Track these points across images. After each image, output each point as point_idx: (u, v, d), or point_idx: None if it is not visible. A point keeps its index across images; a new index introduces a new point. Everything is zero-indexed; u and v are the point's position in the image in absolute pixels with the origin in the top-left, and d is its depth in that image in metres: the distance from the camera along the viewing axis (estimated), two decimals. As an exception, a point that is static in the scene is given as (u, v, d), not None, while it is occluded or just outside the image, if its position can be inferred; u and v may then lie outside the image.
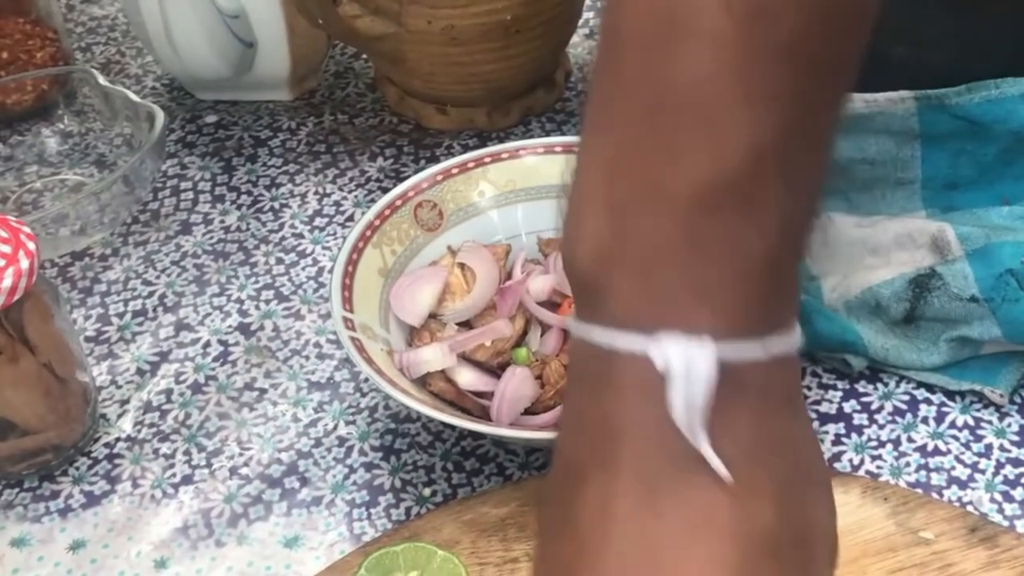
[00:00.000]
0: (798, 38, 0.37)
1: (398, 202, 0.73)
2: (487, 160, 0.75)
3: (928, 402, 0.69)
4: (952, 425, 0.68)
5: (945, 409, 0.69)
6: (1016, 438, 0.67)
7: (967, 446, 0.67)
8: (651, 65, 0.38)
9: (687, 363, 0.38)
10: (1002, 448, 0.67)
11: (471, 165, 0.75)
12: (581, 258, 0.40)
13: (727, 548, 0.39)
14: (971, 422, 0.68)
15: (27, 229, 0.66)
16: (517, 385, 0.65)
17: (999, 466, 0.66)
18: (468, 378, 0.67)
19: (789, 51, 0.37)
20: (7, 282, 0.64)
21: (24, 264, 0.64)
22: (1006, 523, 0.63)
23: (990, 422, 0.68)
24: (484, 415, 0.66)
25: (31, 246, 0.65)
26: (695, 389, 0.38)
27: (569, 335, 0.43)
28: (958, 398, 0.69)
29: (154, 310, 0.79)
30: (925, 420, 0.68)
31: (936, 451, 0.67)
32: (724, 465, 0.39)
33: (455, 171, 0.75)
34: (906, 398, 0.69)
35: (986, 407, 0.69)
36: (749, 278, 0.39)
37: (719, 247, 0.39)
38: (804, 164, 0.39)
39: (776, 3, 0.37)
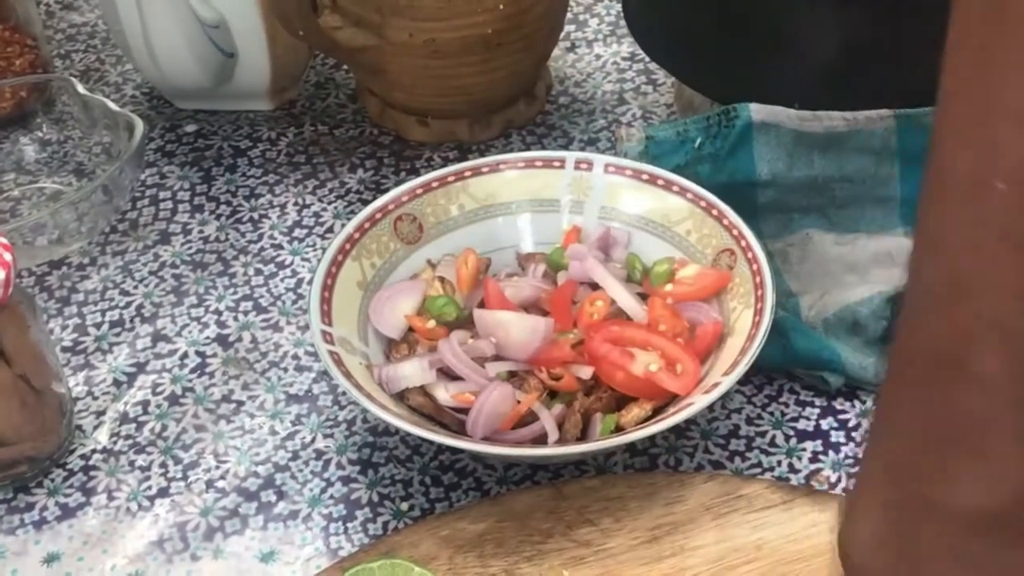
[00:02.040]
0: None
1: (378, 215, 0.73)
2: (467, 174, 0.75)
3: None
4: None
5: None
6: None
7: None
8: (933, 393, 0.42)
9: None
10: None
11: (451, 179, 0.75)
12: (856, 540, 0.46)
13: None
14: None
15: (4, 240, 0.66)
16: (496, 401, 0.65)
17: (975, 485, 0.66)
18: (446, 393, 0.66)
19: None
20: (-17, 293, 0.64)
21: (0, 275, 0.64)
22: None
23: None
24: (462, 430, 0.66)
25: (7, 257, 0.65)
26: None
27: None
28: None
29: (131, 320, 0.78)
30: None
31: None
32: None
33: (435, 185, 0.75)
34: (883, 416, 0.70)
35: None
36: None
37: (986, 569, 0.43)
38: None
39: None
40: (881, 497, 0.45)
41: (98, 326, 0.78)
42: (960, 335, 0.40)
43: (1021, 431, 0.41)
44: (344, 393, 0.71)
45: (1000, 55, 0.38)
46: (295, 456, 0.70)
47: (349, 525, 0.67)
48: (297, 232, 0.83)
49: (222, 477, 0.70)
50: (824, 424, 0.70)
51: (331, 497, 0.68)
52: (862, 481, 0.46)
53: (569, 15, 0.91)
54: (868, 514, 0.45)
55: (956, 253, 0.40)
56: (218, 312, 0.78)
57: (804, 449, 0.69)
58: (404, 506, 0.67)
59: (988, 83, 0.38)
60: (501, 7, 0.81)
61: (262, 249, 0.82)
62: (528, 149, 0.87)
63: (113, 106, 0.84)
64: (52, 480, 0.70)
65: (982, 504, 0.42)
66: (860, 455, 0.47)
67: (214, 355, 0.76)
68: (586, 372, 0.66)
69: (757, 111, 0.72)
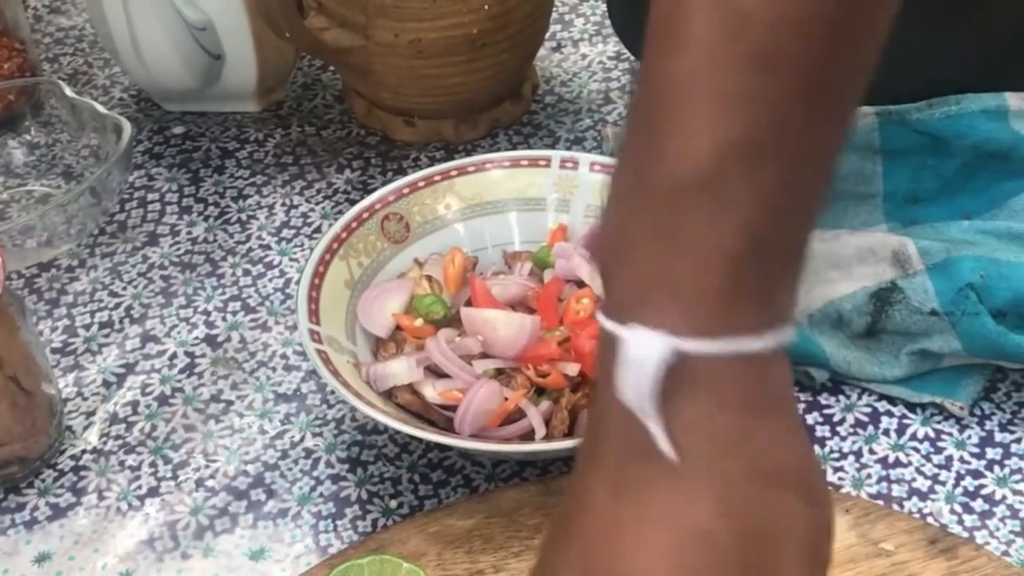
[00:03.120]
0: (771, 51, 0.40)
1: (365, 215, 0.74)
2: (454, 173, 0.76)
3: (889, 414, 0.70)
4: (913, 437, 0.69)
5: (906, 421, 0.70)
6: (976, 450, 0.68)
7: (928, 458, 0.68)
8: (652, 63, 0.41)
9: (639, 350, 0.41)
10: (962, 460, 0.68)
11: (438, 178, 0.76)
12: (598, 247, 0.44)
13: (663, 538, 0.41)
14: (932, 434, 0.69)
15: (-7, 242, 0.66)
16: (483, 398, 0.65)
17: (959, 478, 0.67)
18: (434, 391, 0.67)
19: (760, 60, 0.40)
20: (-28, 295, 0.64)
21: (-11, 277, 0.64)
22: (966, 534, 0.64)
23: (950, 434, 0.69)
24: (450, 427, 0.66)
25: (-3, 259, 0.65)
26: (642, 375, 0.41)
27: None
28: (919, 410, 0.70)
29: (120, 321, 0.79)
30: (886, 432, 0.69)
31: (897, 463, 0.68)
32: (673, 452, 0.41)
33: (422, 184, 0.75)
34: (868, 410, 0.70)
35: (946, 419, 0.70)
36: (709, 274, 0.41)
37: (684, 241, 0.41)
38: (775, 172, 0.41)
39: (752, 14, 0.39)
40: (615, 178, 0.43)
41: (87, 327, 0.78)
42: (676, 3, 0.41)
43: (720, 91, 0.40)
44: (333, 392, 0.72)
45: None
46: (284, 455, 0.71)
47: (338, 523, 0.67)
48: (285, 232, 0.84)
49: (212, 476, 0.70)
50: (809, 419, 0.70)
51: (320, 495, 0.69)
52: (611, 171, 0.44)
53: (555, 15, 0.91)
54: (610, 203, 0.43)
55: None
56: (207, 312, 0.79)
57: (789, 444, 0.69)
58: (393, 503, 0.68)
59: None
60: (486, 7, 0.81)
61: (250, 250, 0.83)
62: (514, 148, 0.88)
63: (101, 109, 0.84)
64: (43, 480, 0.70)
65: (680, 173, 0.40)
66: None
67: (203, 355, 0.76)
68: (573, 369, 0.67)
69: (741, 109, 0.73)
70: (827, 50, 0.41)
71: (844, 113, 0.43)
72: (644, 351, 0.41)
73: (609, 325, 0.42)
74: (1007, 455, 0.68)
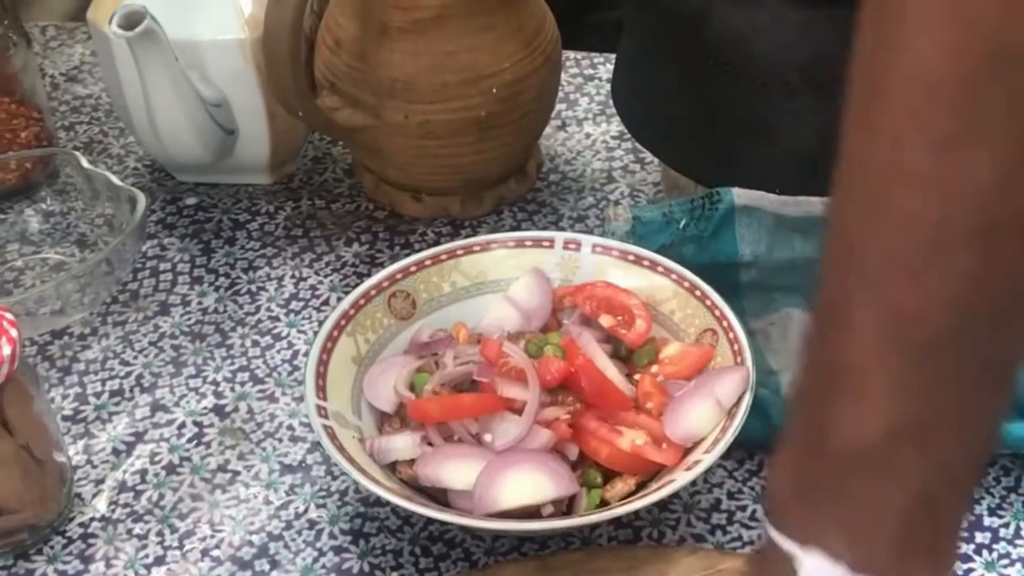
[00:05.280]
0: (936, 343, 0.45)
1: (372, 292, 0.76)
2: (460, 252, 0.78)
3: (881, 496, 0.71)
4: (904, 520, 0.70)
5: (898, 504, 0.71)
6: (965, 534, 0.69)
7: (918, 540, 0.69)
8: (821, 343, 0.48)
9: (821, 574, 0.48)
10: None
11: (444, 257, 0.78)
12: (775, 473, 0.51)
13: None
14: (922, 517, 0.70)
15: (10, 316, 0.68)
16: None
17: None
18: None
19: (928, 352, 0.45)
20: (-10, 368, 0.66)
21: (7, 351, 0.66)
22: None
23: (941, 517, 0.70)
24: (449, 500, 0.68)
25: (13, 333, 0.67)
26: None
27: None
28: (910, 493, 0.71)
29: (131, 390, 0.80)
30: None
31: (888, 545, 0.69)
32: None
33: (428, 262, 0.77)
34: (860, 492, 0.72)
35: (937, 502, 0.71)
36: (884, 528, 0.47)
37: (861, 500, 0.47)
38: (945, 445, 0.47)
39: (920, 309, 0.44)
40: (791, 435, 0.50)
41: (98, 395, 0.80)
42: (842, 291, 0.46)
43: (887, 375, 0.45)
44: (337, 464, 0.73)
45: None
46: (288, 526, 0.72)
47: (341, 595, 0.69)
48: (294, 304, 0.86)
49: (217, 546, 0.71)
50: (803, 499, 0.72)
51: (323, 567, 0.70)
52: (789, 418, 0.51)
53: (560, 94, 0.94)
54: (784, 449, 0.50)
55: (845, 217, 0.46)
56: (216, 383, 0.81)
57: (783, 524, 0.71)
58: (394, 576, 0.69)
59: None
60: (494, 91, 0.84)
61: (259, 321, 0.85)
62: (519, 225, 0.90)
63: (116, 180, 0.86)
64: (51, 547, 0.72)
65: (856, 444, 0.46)
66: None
67: (211, 425, 0.78)
68: (573, 452, 0.68)
69: (739, 195, 0.75)
70: (985, 338, 0.45)
71: (1007, 377, 0.48)
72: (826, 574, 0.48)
73: (789, 545, 0.49)
74: (995, 539, 0.69)
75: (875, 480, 0.47)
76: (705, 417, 0.69)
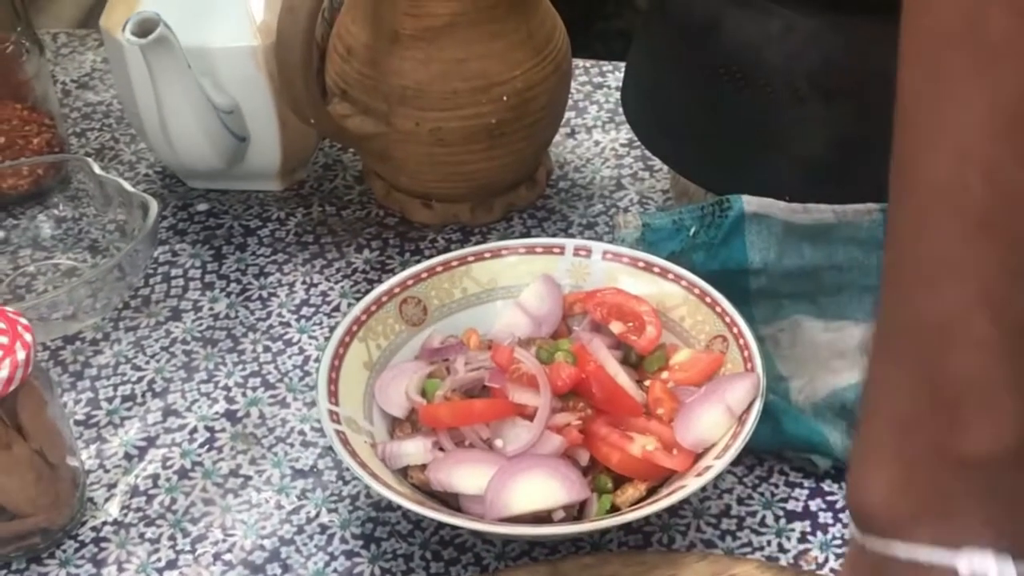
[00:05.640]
0: None
1: (384, 298, 0.76)
2: (470, 259, 0.78)
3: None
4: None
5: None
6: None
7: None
8: (930, 360, 0.49)
9: (1001, 572, 0.49)
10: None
11: (455, 263, 0.78)
12: (874, 493, 0.51)
13: None
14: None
15: (24, 320, 0.69)
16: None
17: (958, 567, 0.69)
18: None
19: None
20: (4, 373, 0.66)
21: (21, 355, 0.67)
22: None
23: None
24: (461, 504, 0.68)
25: (28, 337, 0.68)
26: None
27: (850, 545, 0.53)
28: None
29: (143, 395, 0.81)
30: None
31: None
32: None
33: (439, 269, 0.78)
34: (870, 498, 0.72)
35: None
36: None
37: (1007, 497, 0.49)
38: None
39: None
40: (892, 453, 0.50)
41: (110, 400, 0.81)
42: (953, 309, 0.47)
43: (1016, 381, 0.47)
44: (348, 469, 0.74)
45: (952, 73, 0.46)
46: (300, 530, 0.73)
47: (352, 599, 0.69)
48: (305, 310, 0.86)
49: (229, 550, 0.72)
50: (812, 505, 0.72)
51: (335, 571, 0.70)
52: (867, 439, 0.52)
53: (569, 102, 0.94)
54: (880, 470, 0.51)
55: (941, 241, 0.47)
56: (227, 388, 0.81)
57: (793, 529, 0.71)
58: (406, 581, 0.70)
59: (949, 97, 0.46)
60: (505, 98, 0.84)
61: (271, 326, 0.85)
62: (528, 232, 0.90)
63: (128, 186, 0.87)
64: (64, 551, 0.72)
65: (993, 449, 0.48)
66: (859, 419, 0.53)
67: (223, 430, 0.78)
68: (584, 457, 0.69)
69: (749, 203, 0.75)
70: None
71: None
72: (1001, 570, 0.49)
73: (917, 552, 0.50)
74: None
75: (1014, 480, 0.49)
76: (715, 423, 0.69)
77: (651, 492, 0.69)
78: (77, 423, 0.79)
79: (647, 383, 0.73)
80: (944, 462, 0.49)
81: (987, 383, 0.48)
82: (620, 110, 0.95)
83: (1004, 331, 0.47)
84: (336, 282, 0.88)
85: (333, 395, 0.71)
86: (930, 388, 0.49)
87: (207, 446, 0.77)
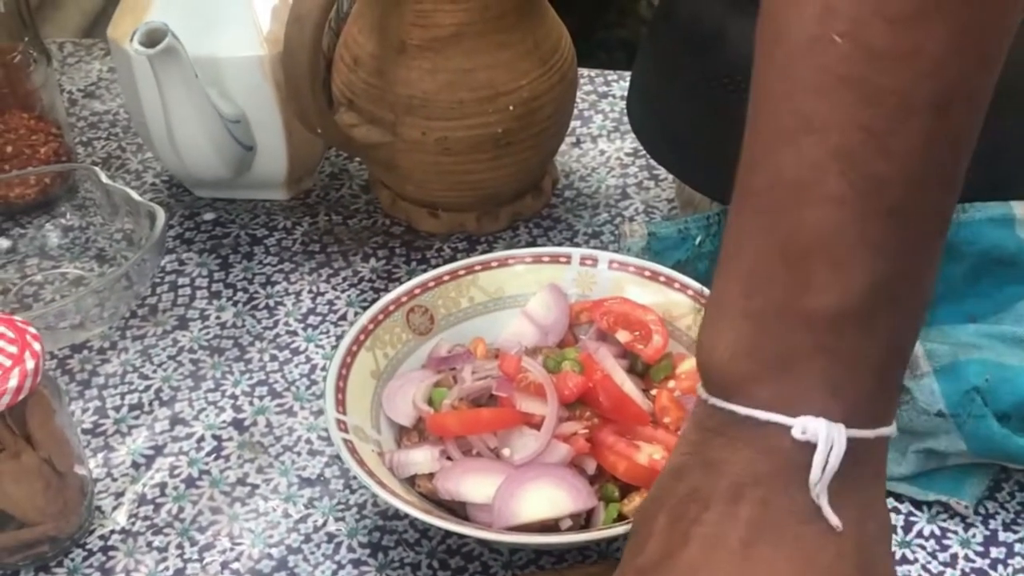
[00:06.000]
0: (903, 203, 0.49)
1: (391, 307, 0.76)
2: (477, 268, 0.79)
3: (896, 511, 0.72)
4: (919, 535, 0.71)
5: (913, 519, 0.72)
6: (980, 548, 0.70)
7: (934, 555, 0.70)
8: (783, 216, 0.50)
9: (828, 438, 0.50)
10: (967, 558, 0.70)
11: (462, 272, 0.78)
12: (720, 352, 0.52)
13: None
14: (937, 532, 0.71)
15: (33, 330, 0.69)
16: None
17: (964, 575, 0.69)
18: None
19: (897, 212, 0.49)
20: (13, 382, 0.66)
21: (30, 365, 0.67)
22: (970, 632, 0.66)
23: (956, 532, 0.71)
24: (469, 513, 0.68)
25: (36, 347, 0.68)
26: (832, 459, 0.50)
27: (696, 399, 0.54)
28: (925, 508, 0.72)
29: (150, 404, 0.81)
30: (893, 529, 0.71)
31: (904, 559, 0.70)
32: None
33: (446, 278, 0.78)
34: (876, 507, 0.72)
35: (952, 517, 0.71)
36: (867, 381, 0.51)
37: (846, 356, 0.50)
38: (910, 294, 0.51)
39: (886, 176, 0.48)
40: (739, 311, 0.51)
41: (118, 409, 0.81)
42: (809, 164, 0.48)
43: (865, 238, 0.48)
44: (355, 477, 0.74)
45: None
46: (307, 539, 0.73)
47: (360, 608, 0.69)
48: (311, 319, 0.86)
49: (236, 559, 0.72)
50: (819, 514, 0.72)
51: (342, 580, 0.71)
52: (718, 299, 0.53)
53: (575, 111, 0.94)
54: (728, 326, 0.52)
55: (802, 96, 0.48)
56: (234, 397, 0.81)
57: (799, 538, 0.71)
58: (413, 589, 0.70)
59: None
60: (511, 108, 0.85)
61: (277, 335, 0.85)
62: (534, 241, 0.91)
63: (135, 196, 0.87)
64: (72, 560, 0.72)
65: (839, 305, 0.49)
66: (714, 278, 0.53)
67: (230, 439, 0.79)
68: (590, 466, 0.69)
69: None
70: (938, 196, 0.50)
71: (944, 232, 0.52)
72: (833, 439, 0.50)
73: (754, 413, 0.51)
74: (1011, 554, 0.70)
75: (853, 338, 0.50)
76: (722, 432, 0.69)
77: (658, 501, 0.69)
78: (85, 432, 0.79)
79: (653, 392, 0.73)
80: (789, 318, 0.50)
81: (837, 239, 0.48)
82: (625, 119, 0.96)
83: (856, 189, 0.48)
84: (343, 291, 0.88)
85: (341, 404, 0.71)
86: (781, 244, 0.50)
87: (214, 455, 0.78)
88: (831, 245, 0.49)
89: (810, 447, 0.50)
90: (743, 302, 0.51)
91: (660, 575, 0.53)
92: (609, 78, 1.05)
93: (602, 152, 0.98)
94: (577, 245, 0.89)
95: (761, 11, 0.50)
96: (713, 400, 0.52)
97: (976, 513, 0.71)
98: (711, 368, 0.53)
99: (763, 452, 0.51)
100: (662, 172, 0.95)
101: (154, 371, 0.83)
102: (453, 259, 0.89)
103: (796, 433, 0.50)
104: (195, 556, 0.72)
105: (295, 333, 0.85)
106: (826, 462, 0.50)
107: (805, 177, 0.49)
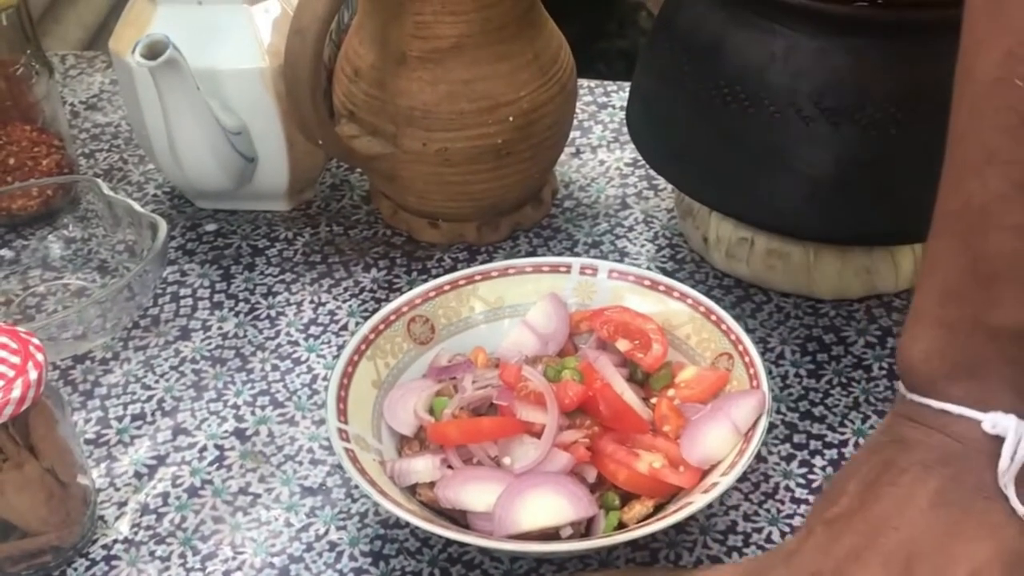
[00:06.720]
0: None
1: (392, 317, 0.77)
2: (478, 278, 0.79)
3: None
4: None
5: None
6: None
7: None
8: (972, 239, 0.56)
9: (1018, 432, 0.56)
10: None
11: (462, 282, 0.79)
12: (916, 353, 0.59)
13: (1004, 557, 0.57)
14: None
15: (36, 340, 0.69)
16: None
17: None
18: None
19: None
20: (16, 393, 0.67)
21: (33, 375, 0.67)
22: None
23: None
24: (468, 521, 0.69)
25: (40, 357, 0.68)
26: (1021, 450, 0.56)
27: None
28: None
29: (153, 414, 0.81)
30: None
31: None
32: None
33: (447, 288, 0.78)
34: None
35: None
36: None
37: None
38: None
39: None
40: (935, 319, 0.58)
41: (120, 419, 0.81)
42: (995, 194, 0.54)
43: None
44: (357, 486, 0.74)
45: None
46: (309, 548, 0.73)
47: (361, 616, 0.69)
48: (313, 329, 0.87)
49: (239, 568, 0.72)
50: (818, 522, 0.72)
51: (344, 589, 0.71)
52: (917, 307, 0.59)
53: (575, 122, 0.95)
54: (924, 334, 0.59)
55: (988, 132, 0.54)
56: (236, 406, 0.82)
57: (799, 546, 0.72)
58: (414, 598, 0.70)
59: (1003, 3, 0.53)
60: (511, 119, 0.85)
61: (279, 345, 0.86)
62: (534, 251, 0.91)
63: (137, 207, 0.88)
64: (75, 569, 0.73)
65: (1020, 320, 0.56)
66: (914, 290, 0.60)
67: (232, 448, 0.79)
68: (591, 474, 0.69)
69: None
70: None
71: None
72: (1019, 431, 0.56)
73: (948, 407, 0.58)
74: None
75: None
76: (722, 440, 0.70)
77: (658, 509, 0.69)
78: (87, 442, 0.80)
79: (653, 400, 0.73)
80: (978, 330, 0.56)
81: (1019, 263, 0.54)
82: (625, 130, 0.96)
83: None
84: (344, 301, 0.89)
85: (342, 413, 0.71)
86: (971, 264, 0.56)
87: (216, 464, 0.78)
88: (1013, 268, 0.55)
89: (998, 440, 0.56)
90: (938, 311, 0.58)
91: (851, 524, 0.59)
92: (609, 89, 1.06)
93: (602, 162, 0.99)
94: (577, 255, 0.90)
95: (959, 57, 0.55)
96: (911, 396, 0.59)
97: None
98: (909, 367, 0.59)
99: (955, 438, 0.58)
100: (661, 182, 0.95)
101: (156, 381, 0.84)
102: (453, 269, 0.89)
103: (987, 427, 0.57)
104: (197, 565, 0.72)
105: (296, 343, 0.86)
106: (1014, 453, 0.56)
107: (991, 206, 0.54)
